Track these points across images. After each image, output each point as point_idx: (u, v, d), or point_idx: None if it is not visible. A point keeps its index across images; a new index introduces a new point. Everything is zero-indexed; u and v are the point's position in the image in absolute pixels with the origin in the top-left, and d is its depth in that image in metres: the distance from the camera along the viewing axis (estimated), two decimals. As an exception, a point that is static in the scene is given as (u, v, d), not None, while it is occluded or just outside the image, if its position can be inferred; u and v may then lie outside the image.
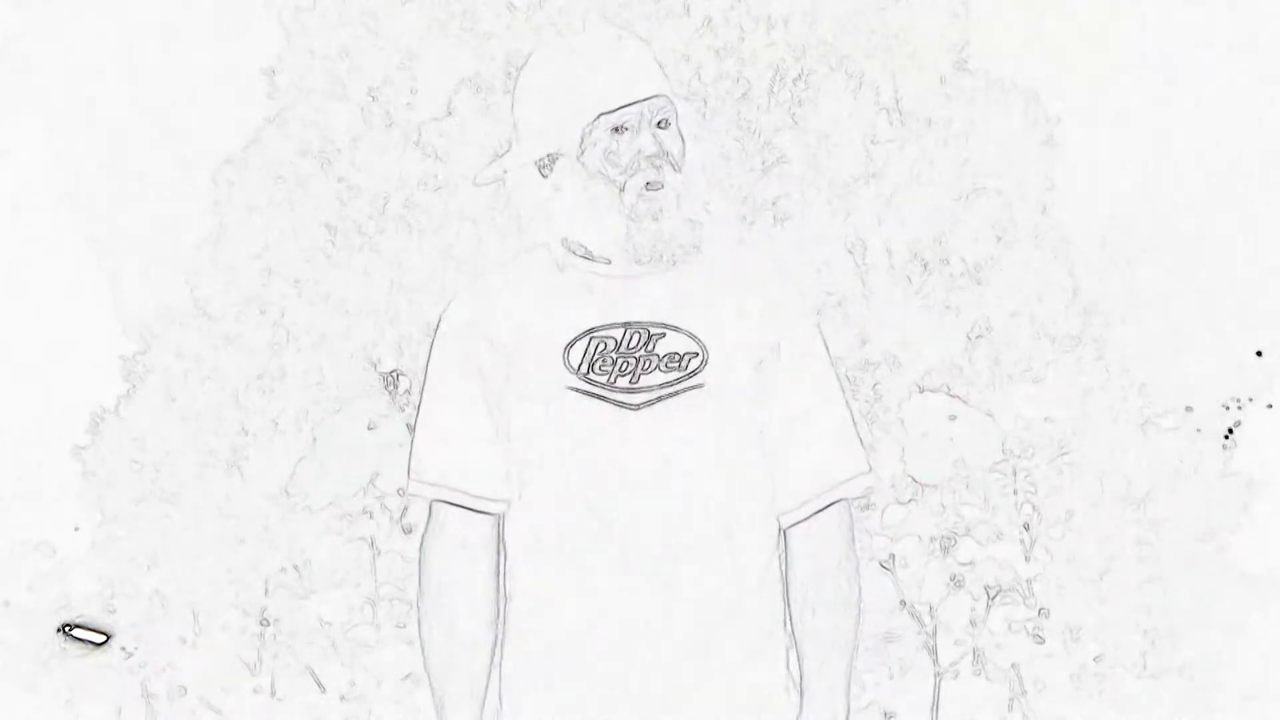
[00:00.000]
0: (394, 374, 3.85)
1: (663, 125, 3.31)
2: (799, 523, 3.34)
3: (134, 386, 3.89)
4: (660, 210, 3.28)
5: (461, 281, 3.81)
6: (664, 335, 3.30)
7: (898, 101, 3.87)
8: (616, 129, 3.29)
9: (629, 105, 3.29)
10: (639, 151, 3.28)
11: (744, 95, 3.86)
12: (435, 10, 3.89)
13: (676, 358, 3.30)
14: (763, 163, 3.86)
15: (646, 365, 3.30)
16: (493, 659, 3.36)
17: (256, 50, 3.91)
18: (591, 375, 3.29)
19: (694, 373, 3.30)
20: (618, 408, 3.28)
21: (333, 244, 3.88)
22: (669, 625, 3.28)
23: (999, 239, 3.86)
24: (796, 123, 3.86)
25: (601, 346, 3.30)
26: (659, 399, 3.29)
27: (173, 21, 3.91)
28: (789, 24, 3.87)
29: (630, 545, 3.27)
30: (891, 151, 3.87)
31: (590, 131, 3.29)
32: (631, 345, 3.30)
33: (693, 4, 3.87)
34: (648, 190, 3.29)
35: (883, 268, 3.86)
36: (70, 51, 3.91)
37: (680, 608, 3.28)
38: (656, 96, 3.31)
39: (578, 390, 3.29)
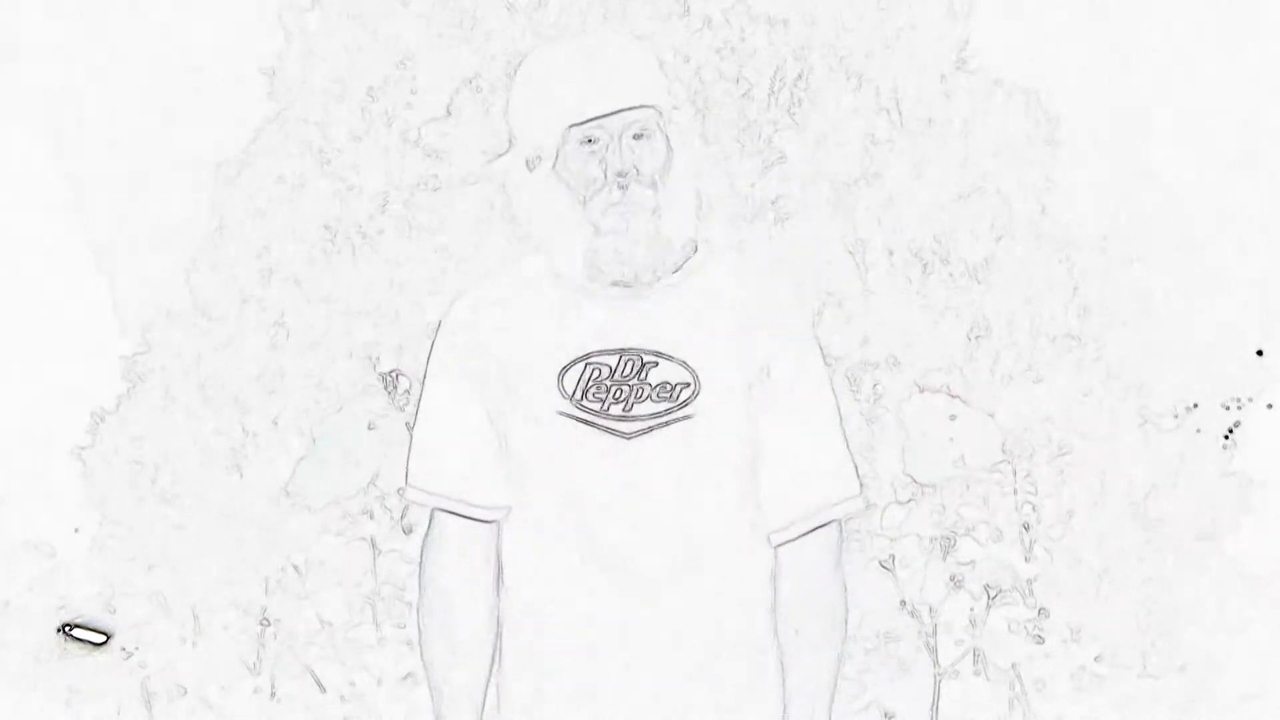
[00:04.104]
0: (394, 374, 3.85)
1: (639, 137, 3.22)
2: (788, 542, 3.32)
3: (134, 386, 3.89)
4: (626, 227, 3.22)
5: (461, 282, 3.81)
6: (656, 364, 3.26)
7: (898, 101, 3.87)
8: (589, 140, 3.22)
9: (599, 118, 3.21)
10: (606, 167, 3.21)
11: (744, 95, 3.86)
12: (435, 10, 3.89)
13: (668, 388, 3.26)
14: (763, 163, 3.86)
15: (639, 394, 3.25)
16: (492, 666, 3.36)
17: (256, 50, 3.91)
18: (585, 402, 3.25)
19: (685, 403, 3.26)
20: (610, 435, 3.25)
21: (333, 244, 3.88)
22: (662, 647, 3.27)
23: (999, 239, 3.86)
24: (796, 123, 3.86)
25: (596, 373, 3.26)
26: (650, 429, 3.26)
27: (173, 21, 3.91)
28: (789, 24, 3.87)
29: (622, 572, 3.26)
30: (891, 151, 3.87)
31: (564, 142, 3.22)
32: (625, 373, 3.26)
33: (693, 4, 3.87)
34: (612, 208, 3.22)
35: (883, 268, 3.86)
36: (70, 51, 3.91)
37: (673, 631, 3.27)
38: (634, 108, 3.22)
39: (570, 416, 3.26)
